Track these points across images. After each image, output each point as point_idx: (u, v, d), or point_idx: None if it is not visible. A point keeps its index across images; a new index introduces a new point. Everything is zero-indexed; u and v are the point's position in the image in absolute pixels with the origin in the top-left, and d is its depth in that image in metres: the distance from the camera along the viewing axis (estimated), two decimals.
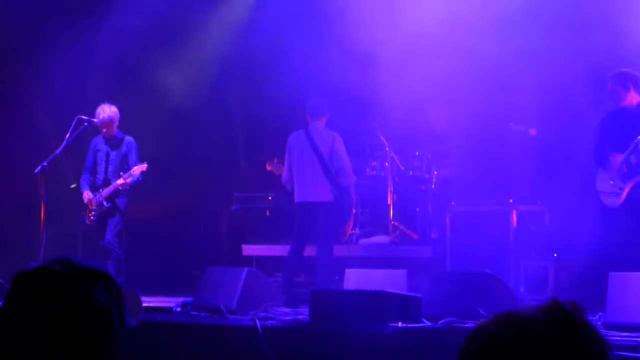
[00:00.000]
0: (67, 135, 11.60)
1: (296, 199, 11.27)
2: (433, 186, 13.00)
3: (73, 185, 15.11)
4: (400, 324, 7.69)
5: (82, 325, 2.24)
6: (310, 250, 11.25)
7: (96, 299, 2.27)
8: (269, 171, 12.65)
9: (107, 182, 12.05)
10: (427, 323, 7.96)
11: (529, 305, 1.93)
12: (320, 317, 8.30)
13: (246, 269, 9.78)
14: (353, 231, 13.10)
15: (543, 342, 1.82)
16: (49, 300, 2.24)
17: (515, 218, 11.07)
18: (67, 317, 2.23)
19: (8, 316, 2.27)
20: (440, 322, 7.88)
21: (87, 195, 12.10)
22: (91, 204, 12.03)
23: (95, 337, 2.25)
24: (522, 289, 10.47)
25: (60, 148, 11.49)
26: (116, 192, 11.99)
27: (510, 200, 11.22)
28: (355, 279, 9.55)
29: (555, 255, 10.76)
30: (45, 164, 11.25)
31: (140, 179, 11.95)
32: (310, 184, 11.11)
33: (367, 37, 13.14)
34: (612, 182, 9.65)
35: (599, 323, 7.76)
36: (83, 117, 11.77)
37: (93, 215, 12.05)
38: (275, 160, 12.45)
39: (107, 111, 11.99)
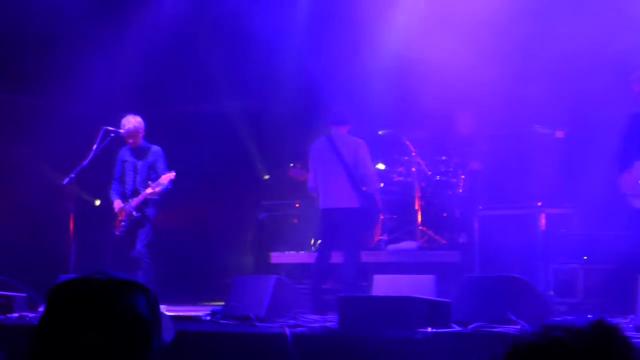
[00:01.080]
0: (94, 146, 11.67)
1: (321, 205, 11.29)
2: (460, 190, 12.99)
3: (98, 202, 15.22)
4: (429, 330, 7.69)
5: (125, 336, 2.24)
6: (337, 257, 11.28)
7: (140, 311, 2.28)
8: (292, 177, 12.70)
9: (136, 192, 12.13)
10: (457, 328, 7.93)
11: (571, 320, 1.95)
12: (349, 323, 8.31)
13: (274, 276, 9.80)
14: (381, 237, 13.11)
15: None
16: (93, 310, 2.25)
17: (544, 221, 11.03)
18: (111, 328, 2.23)
19: (51, 325, 2.27)
20: (470, 327, 7.85)
21: (117, 204, 12.17)
22: (121, 213, 12.11)
23: (137, 349, 2.26)
24: (551, 293, 10.44)
25: (88, 159, 11.54)
26: (145, 202, 12.05)
27: (539, 204, 11.19)
28: (383, 284, 9.54)
29: (584, 258, 10.71)
30: (73, 175, 11.31)
31: (170, 187, 12.00)
32: (335, 190, 11.12)
33: (394, 43, 13.19)
34: None
35: (630, 326, 7.74)
36: (109, 128, 11.85)
37: (123, 226, 12.12)
38: (298, 165, 12.50)
39: (132, 122, 12.06)
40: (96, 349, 2.21)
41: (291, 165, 12.71)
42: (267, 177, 15.58)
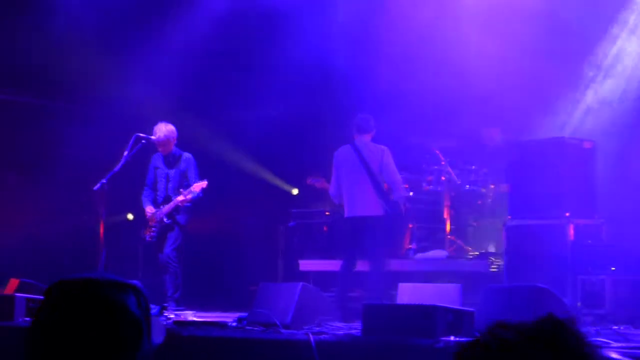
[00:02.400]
0: (125, 152, 11.70)
1: (346, 213, 11.28)
2: (490, 200, 12.95)
3: (130, 216, 15.31)
4: (452, 338, 7.68)
5: (115, 335, 2.27)
6: (364, 265, 11.28)
7: (129, 309, 2.31)
8: (311, 185, 12.72)
9: (167, 199, 12.20)
10: None
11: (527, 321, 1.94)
12: (373, 331, 8.29)
13: (300, 283, 9.80)
14: (410, 246, 13.09)
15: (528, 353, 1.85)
16: (85, 306, 2.28)
17: (572, 232, 10.96)
18: (102, 326, 2.26)
19: (44, 323, 2.30)
20: None
21: (149, 209, 12.24)
22: (152, 219, 12.17)
23: (127, 348, 2.28)
24: (579, 304, 10.38)
25: (119, 165, 11.53)
26: (176, 209, 12.12)
27: (567, 214, 11.13)
28: (408, 293, 9.53)
29: (612, 269, 10.64)
30: (104, 181, 11.31)
31: (201, 195, 12.06)
32: (360, 198, 11.11)
33: (424, 54, 13.20)
34: None
35: None
36: (141, 134, 11.89)
37: (153, 232, 12.18)
38: (317, 174, 12.53)
39: (163, 130, 12.12)
40: (86, 346, 2.24)
41: (310, 176, 12.71)
42: (296, 191, 15.60)
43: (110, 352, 2.24)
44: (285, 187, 15.70)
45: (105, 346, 2.24)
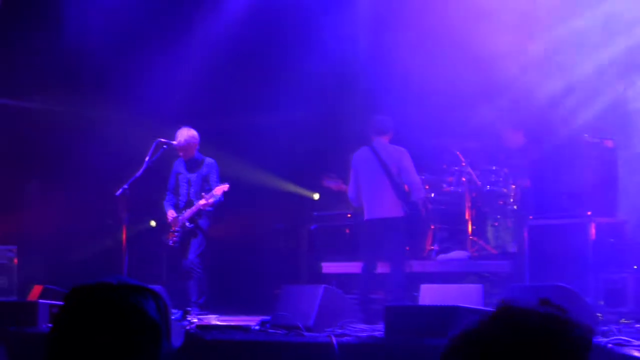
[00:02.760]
0: (147, 158, 11.71)
1: (366, 216, 11.28)
2: (511, 200, 12.93)
3: (153, 223, 15.37)
4: None
5: (133, 340, 2.29)
6: (385, 267, 11.29)
7: (147, 313, 2.33)
8: (327, 187, 12.73)
9: (189, 204, 12.23)
10: None
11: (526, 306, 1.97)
12: (395, 332, 8.31)
13: (323, 286, 9.81)
14: (432, 247, 13.08)
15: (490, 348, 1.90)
16: (100, 311, 2.30)
17: (593, 230, 10.93)
18: (120, 331, 2.28)
19: (62, 328, 2.33)
20: None
21: (171, 214, 12.28)
22: (174, 224, 12.21)
23: (145, 352, 2.30)
24: (601, 302, 10.35)
25: (141, 171, 11.54)
26: (198, 213, 12.15)
27: (589, 213, 11.10)
28: (430, 294, 9.54)
29: (635, 267, 10.61)
30: (126, 186, 11.31)
31: (222, 199, 12.07)
32: (380, 200, 11.11)
33: (443, 54, 13.19)
34: None
35: None
36: (162, 139, 11.91)
37: (176, 236, 12.22)
38: (333, 175, 12.53)
39: (184, 135, 12.16)
40: (102, 351, 2.26)
41: (326, 178, 12.72)
42: (317, 196, 15.60)
43: (126, 356, 2.27)
44: (306, 193, 15.70)
45: (121, 350, 2.27)
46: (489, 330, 1.92)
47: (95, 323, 2.29)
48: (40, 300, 10.13)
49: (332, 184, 12.68)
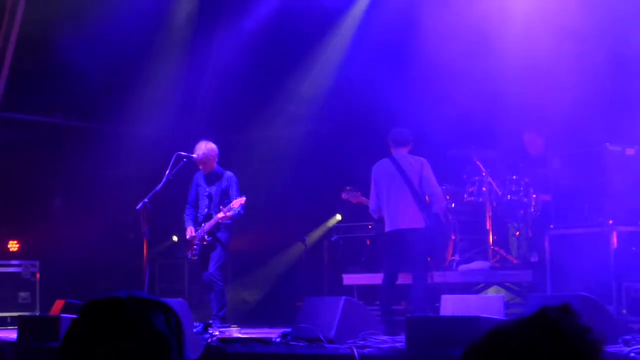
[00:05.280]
0: (167, 171, 11.72)
1: (387, 227, 11.21)
2: (532, 210, 12.83)
3: (175, 238, 15.37)
4: None
5: (139, 350, 2.27)
6: (406, 278, 11.22)
7: (155, 327, 2.30)
8: (345, 200, 12.67)
9: (209, 217, 12.23)
10: None
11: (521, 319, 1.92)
12: (417, 343, 8.24)
13: (343, 298, 9.76)
14: (453, 258, 13.00)
15: (524, 352, 1.83)
16: (109, 325, 2.29)
17: (615, 239, 10.83)
18: (126, 342, 2.27)
19: (71, 339, 2.33)
20: None
21: (190, 231, 12.29)
22: (193, 240, 12.21)
23: None
24: (624, 311, 10.25)
25: (161, 184, 11.55)
26: (217, 226, 12.14)
27: (610, 222, 11.00)
28: (451, 304, 9.47)
29: None
30: (146, 200, 11.30)
31: (242, 212, 12.06)
32: (401, 211, 11.04)
33: (462, 64, 13.15)
34: None
35: None
36: (182, 153, 11.92)
37: (196, 250, 12.21)
38: (349, 188, 12.48)
39: (202, 149, 12.17)
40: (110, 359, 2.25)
41: (343, 191, 12.66)
42: (339, 217, 15.55)
43: None
44: (329, 223, 15.67)
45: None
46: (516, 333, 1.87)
47: (101, 336, 2.29)
48: (63, 315, 10.11)
49: (352, 197, 12.61)
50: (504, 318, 8.40)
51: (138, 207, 11.32)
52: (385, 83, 13.98)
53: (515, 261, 12.72)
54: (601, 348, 1.88)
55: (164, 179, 11.64)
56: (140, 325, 2.29)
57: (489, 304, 9.19)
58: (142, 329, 2.29)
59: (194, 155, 12.07)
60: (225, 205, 12.05)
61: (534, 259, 12.37)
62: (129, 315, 2.30)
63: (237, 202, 11.92)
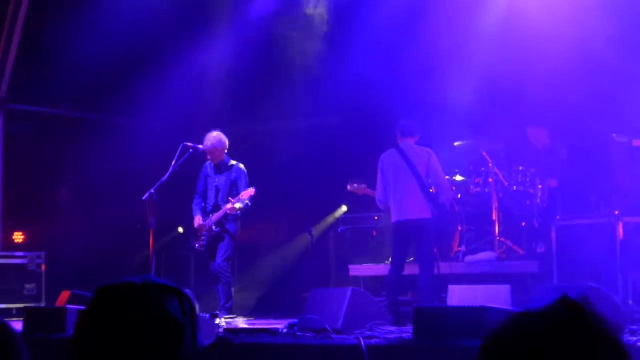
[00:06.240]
0: (173, 162, 11.70)
1: (394, 218, 11.21)
2: (538, 200, 12.85)
3: (180, 229, 15.38)
4: None
5: (153, 335, 2.29)
6: (412, 269, 11.24)
7: (169, 312, 2.32)
8: (351, 192, 12.67)
9: (217, 207, 12.23)
10: None
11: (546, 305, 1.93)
12: (423, 334, 8.25)
13: (350, 288, 9.76)
14: (459, 248, 13.02)
15: (546, 337, 1.84)
16: (124, 309, 2.31)
17: (621, 230, 10.85)
18: (140, 326, 2.28)
19: (85, 324, 2.35)
20: None
21: (197, 220, 12.29)
22: (201, 229, 12.21)
23: (166, 347, 2.30)
24: (630, 302, 10.27)
25: (167, 175, 11.54)
26: (225, 217, 12.14)
27: (616, 212, 11.01)
28: (458, 295, 9.48)
29: None
30: (152, 190, 11.31)
31: (250, 203, 12.05)
32: (408, 202, 11.03)
33: (469, 56, 13.16)
34: None
35: None
36: (188, 143, 11.91)
37: (203, 240, 12.22)
38: (354, 180, 12.48)
39: (211, 139, 12.14)
40: (125, 349, 2.27)
41: (349, 182, 12.68)
42: (345, 208, 15.56)
43: (146, 354, 2.26)
44: (335, 214, 15.68)
45: (142, 348, 2.27)
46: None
47: (115, 321, 2.30)
48: (69, 306, 10.13)
49: (357, 188, 12.61)
50: (511, 308, 8.41)
51: (144, 197, 11.34)
52: (392, 74, 13.98)
53: (521, 252, 12.74)
54: (621, 337, 1.89)
55: (169, 170, 11.63)
56: (154, 310, 2.31)
57: (496, 294, 9.20)
58: (157, 313, 2.31)
59: (200, 146, 12.02)
60: (233, 196, 12.05)
61: (540, 249, 12.40)
62: (143, 299, 2.32)
63: (246, 194, 11.92)
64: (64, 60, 14.70)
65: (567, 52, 12.25)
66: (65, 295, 11.31)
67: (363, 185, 12.50)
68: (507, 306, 8.55)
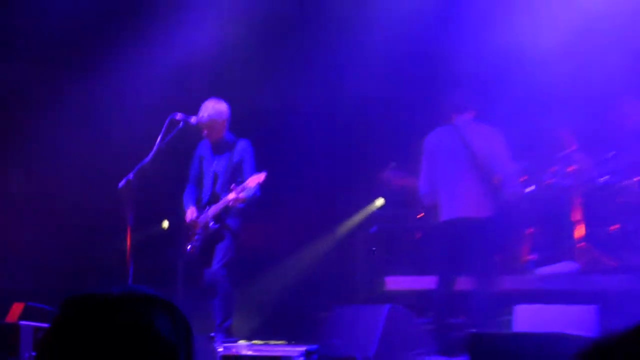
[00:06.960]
0: (158, 139, 11.51)
1: (443, 216, 11.21)
2: (634, 197, 12.81)
3: (166, 224, 15.38)
4: None
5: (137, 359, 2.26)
6: (467, 283, 11.24)
7: (158, 332, 2.30)
8: (387, 181, 12.67)
9: (214, 198, 12.16)
10: None
11: None
12: None
13: (387, 306, 9.82)
14: (529, 257, 13.01)
15: None
16: (98, 329, 2.27)
17: None
18: (123, 349, 2.26)
19: (53, 343, 2.31)
20: None
21: (190, 212, 12.20)
22: (195, 225, 12.15)
23: None
24: None
25: (150, 155, 11.36)
26: (226, 210, 12.07)
27: None
28: (527, 317, 9.49)
29: None
30: (130, 176, 11.17)
31: (258, 193, 11.97)
32: (461, 195, 11.03)
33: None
34: None
35: None
36: (178, 114, 11.71)
37: (196, 240, 12.17)
38: (393, 164, 12.45)
39: (209, 109, 11.94)
40: None
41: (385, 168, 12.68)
42: (381, 202, 15.52)
43: None
44: (370, 208, 15.67)
45: None
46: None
47: (88, 345, 2.26)
48: (22, 322, 10.14)
49: (394, 177, 12.58)
50: (597, 335, 8.36)
51: (120, 185, 11.26)
52: (441, 32, 14.02)
53: (611, 263, 12.69)
54: None
55: (154, 149, 11.47)
56: (139, 331, 2.28)
57: (578, 316, 9.19)
58: (142, 335, 2.28)
59: (193, 118, 11.76)
60: (237, 183, 11.96)
61: (636, 260, 12.36)
62: (124, 317, 2.28)
63: (254, 180, 11.77)
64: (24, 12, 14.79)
65: None
66: (18, 307, 11.33)
67: (403, 173, 12.49)
68: (592, 333, 8.53)
